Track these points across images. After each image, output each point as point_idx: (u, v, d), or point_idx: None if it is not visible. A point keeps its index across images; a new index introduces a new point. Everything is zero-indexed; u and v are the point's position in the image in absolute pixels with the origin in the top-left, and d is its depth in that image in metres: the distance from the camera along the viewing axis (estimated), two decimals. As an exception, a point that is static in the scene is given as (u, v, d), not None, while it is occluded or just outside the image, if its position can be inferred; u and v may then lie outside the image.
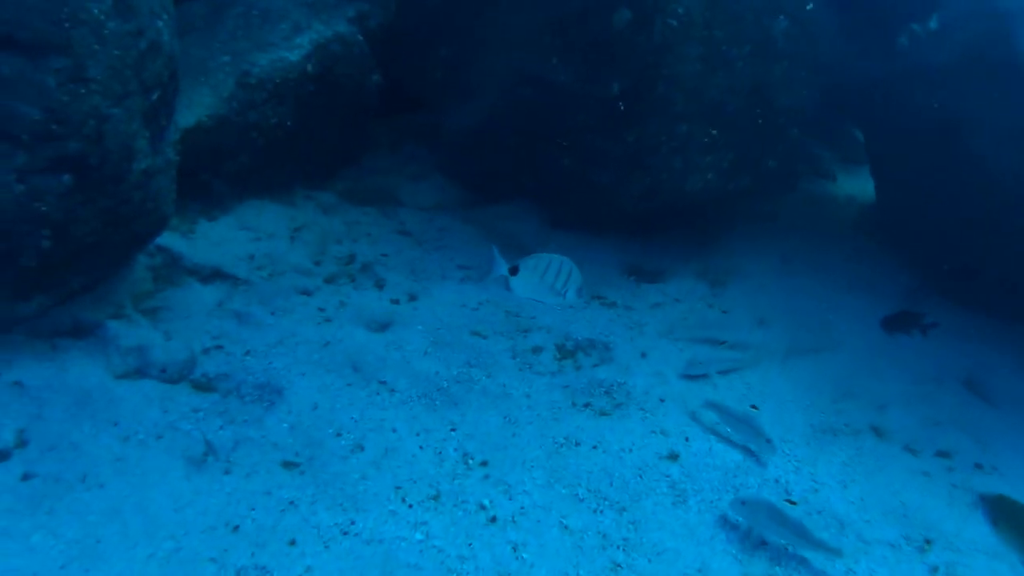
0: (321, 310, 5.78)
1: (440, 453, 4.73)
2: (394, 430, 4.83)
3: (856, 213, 8.60)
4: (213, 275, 5.90)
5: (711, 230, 7.40)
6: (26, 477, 4.23)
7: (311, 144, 7.04)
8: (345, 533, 4.18)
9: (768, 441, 4.92)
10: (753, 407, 5.24)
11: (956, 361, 6.33)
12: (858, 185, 9.16)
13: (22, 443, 4.40)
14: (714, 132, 6.67)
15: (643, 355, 5.85)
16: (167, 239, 5.89)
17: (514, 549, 4.23)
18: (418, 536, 4.22)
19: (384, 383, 5.20)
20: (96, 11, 4.66)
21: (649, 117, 6.49)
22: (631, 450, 4.93)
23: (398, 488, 4.46)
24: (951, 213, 7.08)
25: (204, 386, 5.02)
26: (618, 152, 6.61)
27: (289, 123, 6.77)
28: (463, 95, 7.45)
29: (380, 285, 6.15)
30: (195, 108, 6.51)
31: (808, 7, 7.31)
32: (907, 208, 7.67)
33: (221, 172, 6.62)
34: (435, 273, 6.39)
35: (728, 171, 6.77)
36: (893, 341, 6.48)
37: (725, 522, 4.56)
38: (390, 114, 8.04)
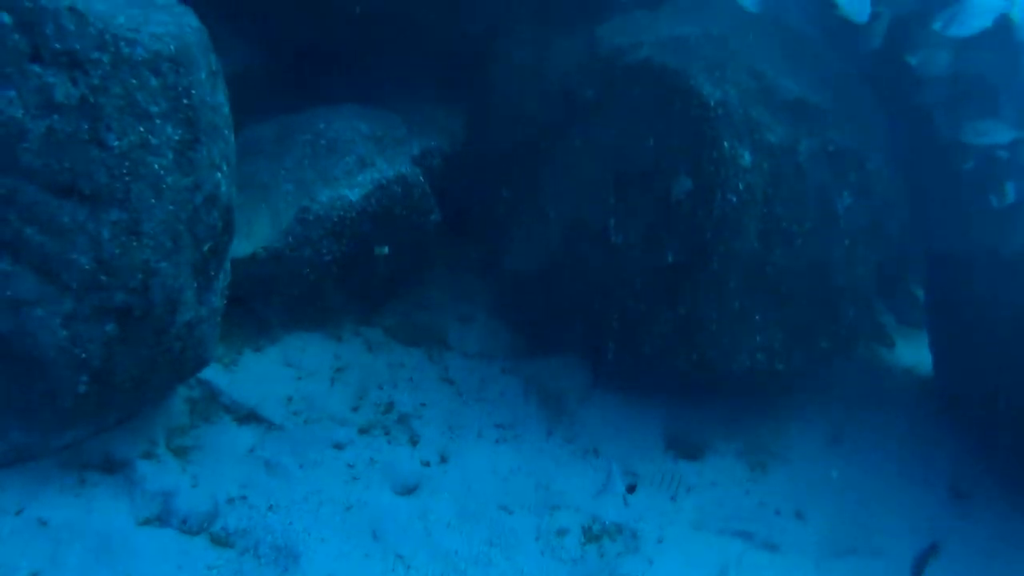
0: (351, 466, 5.74)
1: (444, 652, 4.63)
2: (401, 618, 4.74)
3: (915, 387, 8.38)
4: (249, 416, 5.90)
5: (758, 399, 7.23)
6: (29, 631, 4.21)
7: (364, 278, 7.07)
8: None
9: None
10: None
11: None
12: (917, 353, 8.92)
13: (33, 588, 4.39)
14: (767, 311, 6.58)
15: (670, 547, 5.70)
16: (209, 371, 5.90)
17: None
18: None
19: (401, 557, 5.13)
20: (157, 166, 4.75)
21: (701, 292, 6.43)
22: (642, 666, 4.79)
23: None
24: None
25: (222, 540, 4.99)
26: (668, 323, 6.55)
27: (343, 259, 6.78)
28: (521, 239, 7.45)
29: (414, 441, 6.10)
30: (253, 238, 6.57)
31: (875, 184, 7.21)
32: (970, 394, 7.45)
33: (271, 303, 6.66)
34: (471, 430, 6.33)
35: (779, 351, 6.66)
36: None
37: None
38: (449, 243, 8.05)
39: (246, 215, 6.58)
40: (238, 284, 6.02)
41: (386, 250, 6.95)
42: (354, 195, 6.82)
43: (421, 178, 7.19)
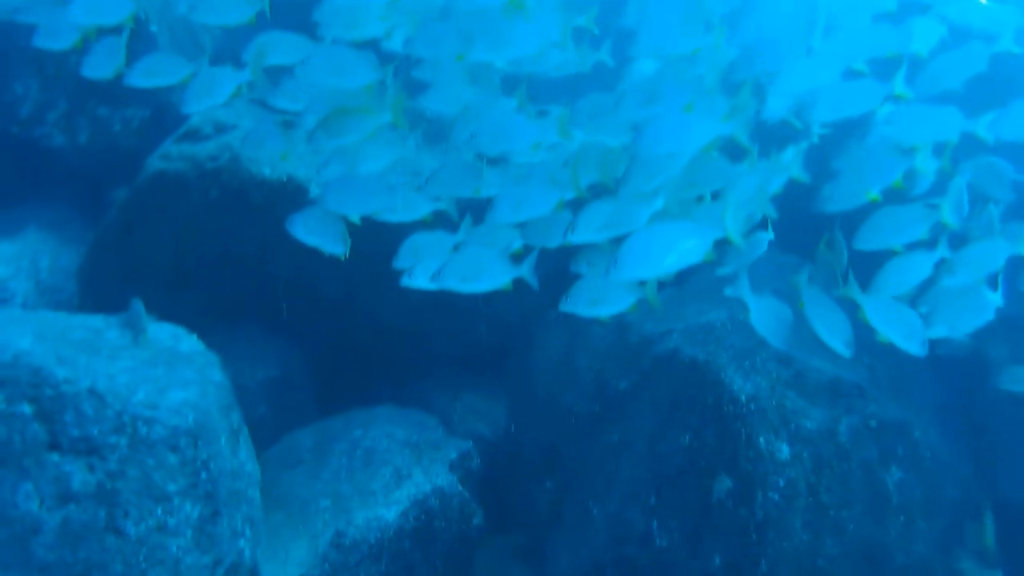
0: None
1: None
2: None
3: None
4: None
5: None
6: None
7: (406, 592, 6.91)
8: None
9: None
10: None
11: None
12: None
13: None
14: (825, 606, 6.30)
15: None
16: None
17: None
18: None
19: None
20: (175, 548, 4.73)
21: (754, 595, 6.18)
22: None
23: None
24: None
25: None
26: (723, 629, 6.28)
27: (382, 579, 6.67)
28: (566, 534, 7.30)
29: None
30: (290, 566, 6.47)
31: (924, 451, 7.00)
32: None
33: (312, 632, 6.51)
34: None
35: (843, 647, 6.34)
36: None
37: None
38: (494, 533, 7.91)
39: (283, 539, 6.54)
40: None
41: None
42: (391, 514, 6.75)
43: (459, 486, 7.13)
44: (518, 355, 8.28)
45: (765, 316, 5.50)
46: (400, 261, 5.93)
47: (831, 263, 5.99)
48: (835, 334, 5.56)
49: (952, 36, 6.35)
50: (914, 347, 5.52)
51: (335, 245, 5.69)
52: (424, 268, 5.62)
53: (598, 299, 5.43)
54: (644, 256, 4.94)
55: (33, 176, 9.04)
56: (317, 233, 5.72)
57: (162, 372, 5.30)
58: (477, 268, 5.47)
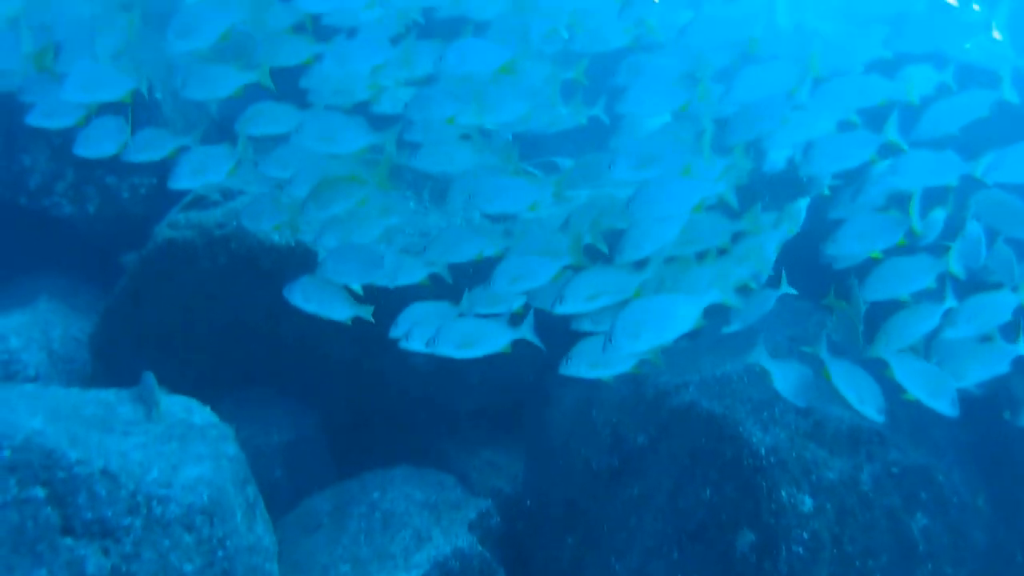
0: None
1: None
2: None
3: None
4: None
5: None
6: None
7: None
8: None
9: None
10: None
11: None
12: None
13: None
14: (856, 662, 6.19)
15: None
16: None
17: None
18: None
19: None
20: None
21: (783, 652, 6.08)
22: None
23: None
24: None
25: None
26: None
27: (406, 646, 6.59)
28: (589, 593, 7.22)
29: None
30: (312, 637, 6.42)
31: (949, 496, 6.90)
32: None
33: None
34: None
35: None
36: None
37: None
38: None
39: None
40: None
41: None
42: (411, 578, 6.68)
43: (479, 546, 7.07)
44: (534, 409, 8.20)
45: (788, 379, 5.48)
46: (397, 330, 5.92)
47: (850, 317, 5.95)
48: (866, 401, 5.54)
49: (957, 73, 6.32)
50: (944, 407, 5.48)
51: (337, 311, 5.68)
52: (423, 331, 5.60)
53: (599, 361, 5.40)
54: (640, 329, 4.92)
55: (43, 246, 9.08)
56: (316, 300, 5.70)
57: (176, 447, 5.27)
58: (474, 334, 5.45)
